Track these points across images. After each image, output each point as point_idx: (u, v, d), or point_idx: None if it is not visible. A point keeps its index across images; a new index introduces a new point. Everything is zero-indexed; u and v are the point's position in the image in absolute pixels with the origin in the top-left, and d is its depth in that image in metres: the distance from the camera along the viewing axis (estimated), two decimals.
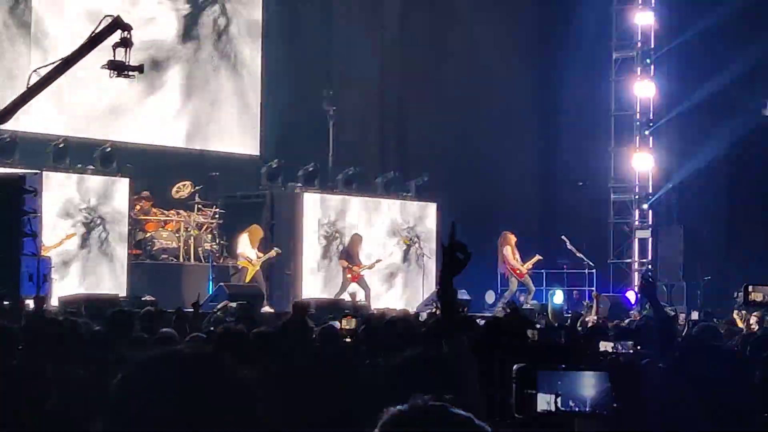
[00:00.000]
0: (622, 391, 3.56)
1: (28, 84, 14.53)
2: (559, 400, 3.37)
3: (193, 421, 2.45)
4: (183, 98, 23.89)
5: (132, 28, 14.85)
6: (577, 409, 3.40)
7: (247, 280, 21.05)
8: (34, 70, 15.02)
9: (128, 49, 14.63)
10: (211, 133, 24.29)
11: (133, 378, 2.52)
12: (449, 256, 4.80)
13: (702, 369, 3.98)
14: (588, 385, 3.44)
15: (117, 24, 14.58)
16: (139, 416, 2.47)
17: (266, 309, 19.59)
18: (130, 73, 14.81)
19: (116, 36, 14.84)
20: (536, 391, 3.40)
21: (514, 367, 3.37)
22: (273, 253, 21.67)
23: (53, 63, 14.69)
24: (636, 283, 27.00)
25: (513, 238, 23.32)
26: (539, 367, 3.43)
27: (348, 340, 9.56)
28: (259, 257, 21.27)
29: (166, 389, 2.46)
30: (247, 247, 21.26)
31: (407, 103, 26.73)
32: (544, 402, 3.40)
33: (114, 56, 14.69)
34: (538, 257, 23.18)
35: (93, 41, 14.58)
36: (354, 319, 10.02)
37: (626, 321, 15.66)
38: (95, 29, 14.55)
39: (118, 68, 14.72)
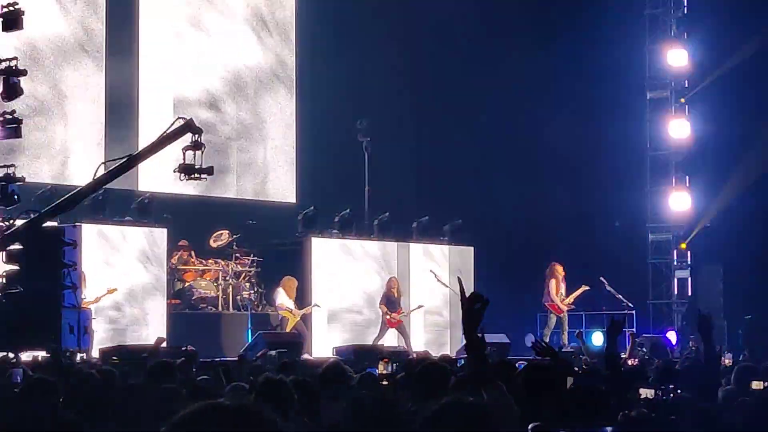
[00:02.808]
0: None
1: (94, 176, 14.93)
2: None
3: None
4: (219, 147, 24.00)
5: (203, 132, 15.10)
6: None
7: (288, 329, 21.06)
8: (103, 163, 15.49)
9: (199, 152, 14.92)
10: (247, 181, 24.39)
11: (178, 430, 2.53)
12: (467, 310, 4.82)
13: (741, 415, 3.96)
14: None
15: (188, 127, 14.87)
16: None
17: (306, 356, 19.61)
18: (201, 175, 15.16)
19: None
20: None
21: (530, 426, 3.33)
22: (308, 309, 21.72)
23: (120, 158, 15.08)
24: (677, 323, 26.83)
25: (560, 272, 23.06)
26: (554, 427, 3.40)
27: (385, 383, 9.54)
28: (297, 307, 21.30)
29: None
30: (285, 299, 21.28)
31: (442, 146, 26.75)
32: None
33: (184, 159, 15.00)
34: (584, 287, 22.92)
35: (163, 141, 14.93)
36: (390, 363, 9.99)
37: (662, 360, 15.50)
38: (167, 129, 14.88)
39: (188, 171, 15.05)
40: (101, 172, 15.08)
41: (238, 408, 2.56)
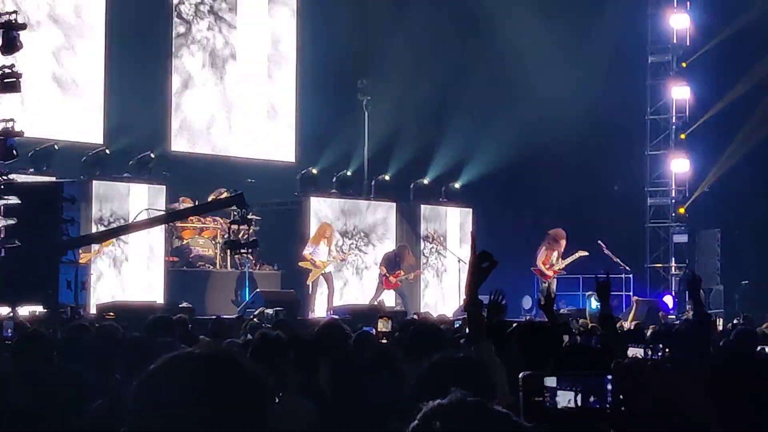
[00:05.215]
0: (628, 392, 3.58)
1: (135, 219, 15.20)
2: (579, 397, 3.38)
3: (210, 421, 2.48)
4: (218, 106, 23.99)
5: (250, 208, 15.17)
6: (597, 406, 3.42)
7: (310, 281, 20.99)
8: (146, 209, 15.79)
9: (247, 228, 15.03)
10: (246, 140, 24.36)
11: (150, 381, 2.55)
12: (475, 266, 4.82)
13: (738, 376, 3.97)
14: (607, 384, 3.48)
15: (237, 200, 14.98)
16: (157, 418, 2.50)
17: (313, 316, 19.64)
18: (245, 250, 15.30)
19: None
20: (543, 398, 3.42)
21: (520, 375, 3.39)
22: (337, 259, 21.63)
23: (162, 210, 15.32)
24: (674, 288, 26.87)
25: (559, 241, 22.45)
26: (545, 374, 3.45)
27: (384, 341, 9.60)
28: (332, 258, 21.10)
29: (180, 391, 2.49)
30: (312, 249, 21.03)
31: (442, 107, 26.70)
32: (566, 399, 3.42)
33: (229, 234, 15.12)
34: (581, 253, 22.54)
35: (209, 207, 15.13)
36: (389, 321, 10.06)
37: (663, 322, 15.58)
38: (217, 196, 15.05)
39: (234, 247, 15.21)
40: (142, 216, 15.42)
41: (210, 356, 2.56)
